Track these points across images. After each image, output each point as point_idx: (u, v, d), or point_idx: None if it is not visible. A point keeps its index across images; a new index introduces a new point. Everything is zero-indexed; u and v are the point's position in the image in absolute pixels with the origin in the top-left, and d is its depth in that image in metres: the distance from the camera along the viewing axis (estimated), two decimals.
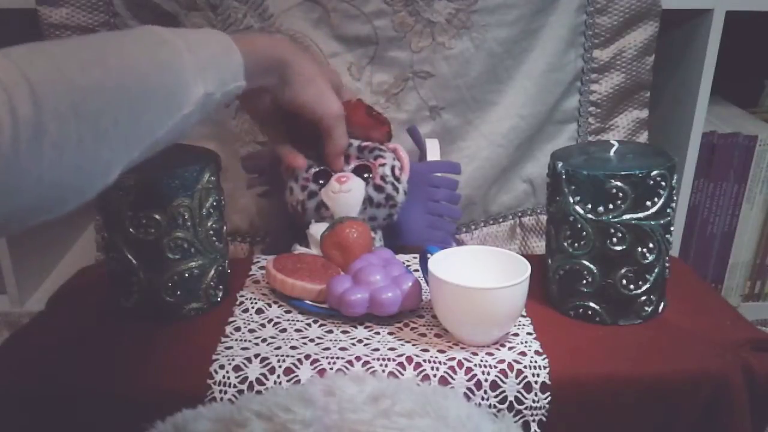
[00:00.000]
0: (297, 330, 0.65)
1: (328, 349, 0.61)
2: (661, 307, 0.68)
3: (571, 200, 0.65)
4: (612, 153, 0.69)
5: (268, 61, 0.63)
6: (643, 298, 0.66)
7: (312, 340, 0.63)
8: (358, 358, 0.60)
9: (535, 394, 0.58)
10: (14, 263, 0.88)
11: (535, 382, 0.58)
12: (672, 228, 0.66)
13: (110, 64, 0.46)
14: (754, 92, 1.14)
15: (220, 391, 0.57)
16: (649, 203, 0.63)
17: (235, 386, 0.58)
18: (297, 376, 0.58)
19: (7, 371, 0.60)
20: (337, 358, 0.60)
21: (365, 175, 0.74)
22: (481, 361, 0.59)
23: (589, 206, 0.64)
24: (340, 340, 0.63)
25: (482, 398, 0.58)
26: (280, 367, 0.59)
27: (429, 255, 0.65)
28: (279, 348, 0.61)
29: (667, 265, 0.67)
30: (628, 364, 0.61)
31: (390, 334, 0.64)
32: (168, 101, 0.50)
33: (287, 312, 0.68)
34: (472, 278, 0.62)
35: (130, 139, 0.47)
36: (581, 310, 0.67)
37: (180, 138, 0.53)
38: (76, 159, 0.43)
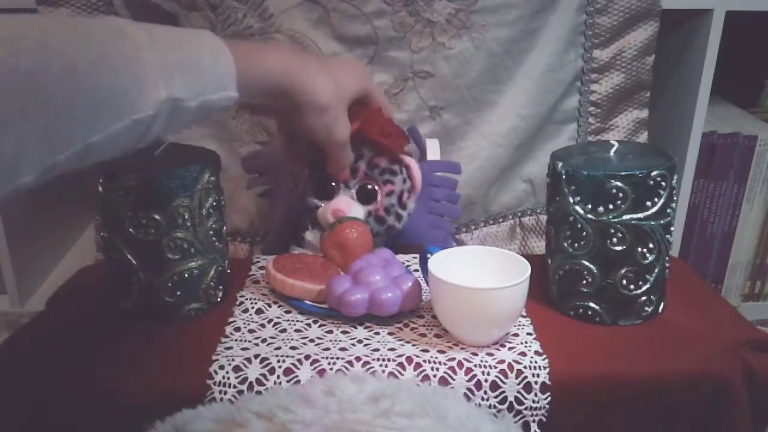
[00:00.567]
0: (297, 330, 0.65)
1: (328, 349, 0.61)
2: (661, 308, 0.68)
3: (571, 200, 0.64)
4: (612, 153, 0.69)
5: (278, 87, 0.59)
6: (643, 298, 0.66)
7: (312, 341, 0.63)
8: (358, 359, 0.60)
9: (535, 395, 0.58)
10: (14, 263, 0.88)
11: (535, 383, 0.58)
12: (672, 228, 0.66)
13: (39, 49, 0.40)
14: (754, 92, 1.14)
15: (220, 392, 0.57)
16: (649, 203, 0.63)
17: (235, 386, 0.58)
18: (297, 376, 0.58)
19: (7, 371, 0.60)
20: (337, 358, 0.60)
21: (367, 207, 0.73)
22: (481, 361, 0.59)
23: (589, 206, 0.64)
24: (340, 341, 0.63)
25: (482, 398, 0.58)
26: (280, 367, 0.59)
27: (429, 255, 0.65)
28: (279, 348, 0.61)
29: (667, 265, 0.67)
30: (628, 364, 0.61)
31: (390, 334, 0.64)
32: (111, 101, 0.44)
33: (287, 312, 0.68)
34: (472, 278, 0.62)
35: (53, 138, 0.41)
36: (581, 311, 0.67)
37: (138, 145, 0.47)
38: None
